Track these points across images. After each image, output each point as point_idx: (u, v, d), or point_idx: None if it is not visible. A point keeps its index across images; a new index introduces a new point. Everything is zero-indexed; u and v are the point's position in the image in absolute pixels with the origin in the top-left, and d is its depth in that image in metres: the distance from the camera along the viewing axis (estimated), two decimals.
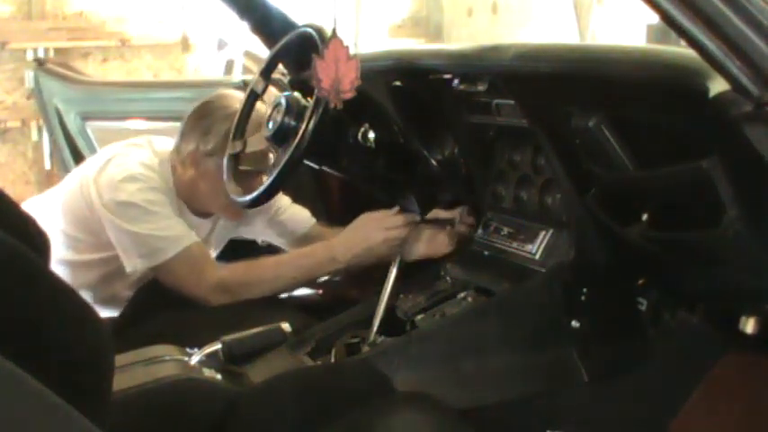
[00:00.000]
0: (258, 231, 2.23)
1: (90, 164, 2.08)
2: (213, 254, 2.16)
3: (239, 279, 1.97)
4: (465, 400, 1.48)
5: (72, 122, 2.90)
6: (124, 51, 5.29)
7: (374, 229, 1.91)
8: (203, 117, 2.01)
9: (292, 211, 2.22)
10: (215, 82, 3.19)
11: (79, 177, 2.06)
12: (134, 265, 1.96)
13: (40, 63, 3.09)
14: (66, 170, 2.93)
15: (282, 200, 2.21)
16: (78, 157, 2.90)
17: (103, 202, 1.95)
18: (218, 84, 2.90)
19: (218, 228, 2.17)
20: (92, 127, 2.90)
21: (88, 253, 2.07)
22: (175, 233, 1.96)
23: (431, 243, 1.94)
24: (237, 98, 1.97)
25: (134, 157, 2.01)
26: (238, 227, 2.21)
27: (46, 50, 5.00)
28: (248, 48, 3.47)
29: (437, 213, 1.94)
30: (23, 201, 2.03)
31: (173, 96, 2.92)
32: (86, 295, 2.09)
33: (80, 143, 2.90)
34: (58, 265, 2.06)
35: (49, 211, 2.10)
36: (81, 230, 2.05)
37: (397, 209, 1.92)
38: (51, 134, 2.99)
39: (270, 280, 1.98)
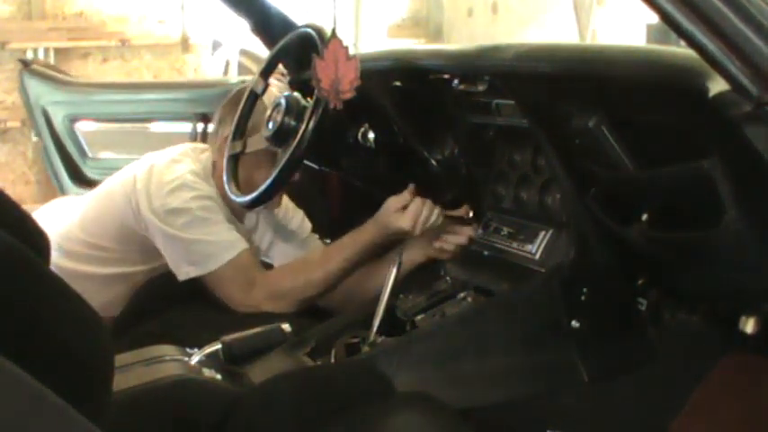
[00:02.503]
0: (283, 250, 2.16)
1: (129, 173, 2.00)
2: None
3: (290, 283, 1.93)
4: (465, 400, 1.47)
5: (60, 124, 2.86)
6: (124, 51, 5.29)
7: (400, 217, 1.84)
8: (239, 101, 1.98)
9: (318, 245, 2.17)
10: (209, 83, 3.18)
11: (120, 186, 1.99)
12: (185, 273, 1.91)
13: (25, 64, 3.02)
14: (55, 172, 2.90)
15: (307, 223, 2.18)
16: (67, 160, 2.86)
17: (153, 210, 1.90)
18: (213, 85, 2.90)
19: (255, 237, 2.13)
20: (80, 129, 2.87)
21: (127, 266, 2.02)
22: (227, 239, 1.92)
23: (434, 246, 1.93)
24: (274, 84, 1.95)
25: (182, 165, 1.97)
26: (270, 248, 2.15)
27: (46, 50, 5.01)
28: (244, 47, 3.46)
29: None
30: (23, 201, 2.01)
31: (163, 98, 2.91)
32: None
33: (68, 145, 2.86)
34: (85, 280, 1.94)
35: (75, 224, 2.05)
36: (123, 242, 2.00)
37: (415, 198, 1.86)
38: (39, 136, 2.95)
39: (320, 278, 1.93)
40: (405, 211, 1.83)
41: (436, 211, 1.84)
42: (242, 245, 1.93)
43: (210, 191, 1.96)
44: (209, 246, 1.90)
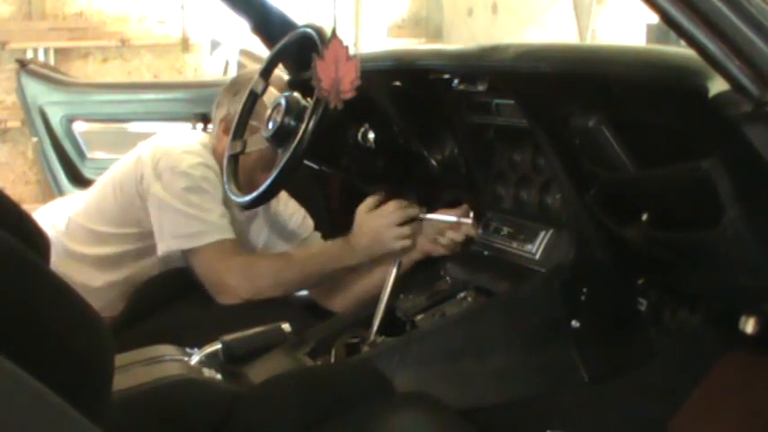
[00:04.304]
0: (282, 248, 2.15)
1: (133, 155, 2.01)
2: None
3: (267, 263, 1.96)
4: (465, 400, 1.48)
5: (58, 124, 2.84)
6: (124, 51, 5.29)
7: (382, 226, 1.91)
8: (235, 84, 2.02)
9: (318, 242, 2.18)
10: (209, 83, 3.17)
11: (123, 167, 2.01)
12: (167, 246, 1.92)
13: (22, 64, 2.99)
14: (52, 173, 2.89)
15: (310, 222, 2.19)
16: (65, 160, 2.85)
17: (157, 172, 1.91)
18: (213, 85, 2.89)
19: (252, 228, 2.12)
20: (79, 129, 2.86)
21: (132, 243, 2.02)
22: (217, 220, 1.92)
23: (432, 243, 1.94)
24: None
25: (188, 138, 2.00)
26: (268, 244, 2.14)
27: (46, 50, 5.00)
28: (244, 47, 3.46)
29: (443, 212, 1.94)
30: (23, 201, 2.00)
31: (162, 98, 2.90)
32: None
33: (67, 145, 2.85)
34: (85, 265, 1.99)
35: (79, 213, 2.06)
36: (125, 225, 2.00)
37: (395, 203, 1.92)
38: (35, 136, 2.94)
39: (297, 274, 1.95)
40: (386, 221, 1.91)
41: (404, 208, 1.91)
42: (229, 234, 1.93)
43: (214, 165, 1.96)
44: (198, 223, 1.90)
